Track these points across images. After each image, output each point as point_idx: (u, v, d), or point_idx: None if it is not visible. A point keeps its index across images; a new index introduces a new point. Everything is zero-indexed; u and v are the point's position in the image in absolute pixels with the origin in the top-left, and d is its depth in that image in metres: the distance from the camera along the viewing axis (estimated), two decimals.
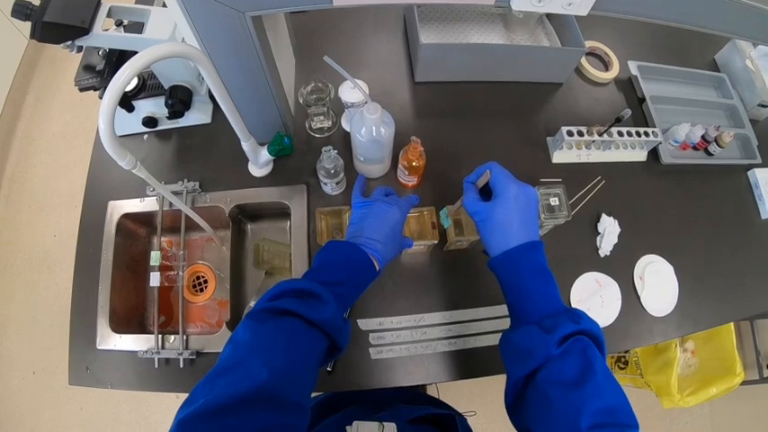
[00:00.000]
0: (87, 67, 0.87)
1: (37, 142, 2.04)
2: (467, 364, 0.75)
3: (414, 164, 0.73)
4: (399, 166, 0.78)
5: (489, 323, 0.77)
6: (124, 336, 0.76)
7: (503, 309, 0.76)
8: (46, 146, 2.02)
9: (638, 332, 0.82)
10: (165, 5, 0.58)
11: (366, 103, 0.64)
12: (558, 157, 0.91)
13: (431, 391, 1.25)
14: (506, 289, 0.53)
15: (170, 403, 1.59)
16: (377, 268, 0.55)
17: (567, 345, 0.45)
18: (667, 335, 0.83)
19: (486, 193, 0.56)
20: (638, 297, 0.83)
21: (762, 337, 1.59)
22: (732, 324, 1.23)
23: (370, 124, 0.67)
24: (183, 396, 0.41)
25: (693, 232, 0.91)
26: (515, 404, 0.49)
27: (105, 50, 0.80)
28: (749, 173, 1.00)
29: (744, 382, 1.48)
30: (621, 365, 1.37)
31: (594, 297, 0.81)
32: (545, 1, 0.54)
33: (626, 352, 1.35)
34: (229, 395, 0.37)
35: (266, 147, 0.78)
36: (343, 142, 0.88)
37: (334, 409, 0.63)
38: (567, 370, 0.44)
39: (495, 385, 0.52)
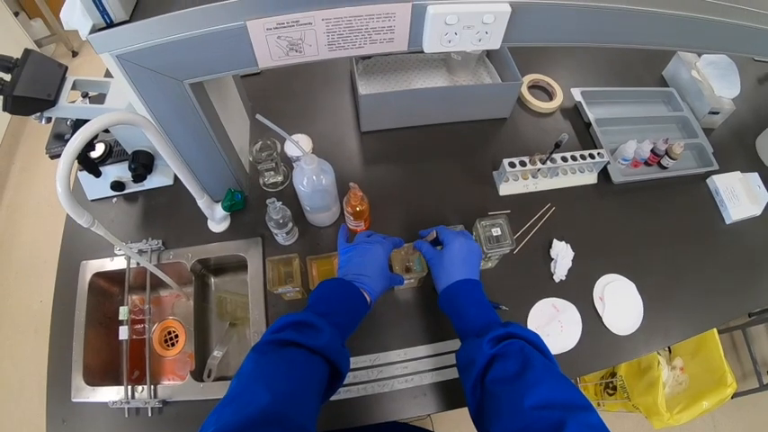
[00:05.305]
0: (57, 136, 0.95)
1: (23, 209, 2.15)
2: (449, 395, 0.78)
3: (357, 209, 0.79)
4: (345, 213, 0.84)
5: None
6: (98, 388, 0.81)
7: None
8: (32, 213, 2.13)
9: (605, 352, 0.84)
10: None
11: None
12: (505, 189, 0.97)
13: (425, 424, 1.26)
14: (452, 316, 0.65)
15: None
16: (368, 300, 0.63)
17: (504, 346, 0.54)
18: (637, 352, 0.85)
19: (440, 244, 0.73)
20: (600, 318, 0.85)
21: (756, 344, 1.60)
22: (717, 334, 1.23)
23: (310, 174, 0.73)
24: None
25: (655, 246, 0.94)
26: (478, 415, 0.56)
27: (73, 120, 0.88)
28: (708, 180, 1.04)
29: (744, 392, 1.47)
30: (610, 392, 1.37)
31: (553, 323, 0.84)
32: (455, 40, 0.58)
33: (612, 376, 1.35)
34: (235, 421, 0.42)
35: (220, 203, 0.85)
36: (295, 195, 0.94)
37: None
38: (508, 368, 0.52)
39: None
